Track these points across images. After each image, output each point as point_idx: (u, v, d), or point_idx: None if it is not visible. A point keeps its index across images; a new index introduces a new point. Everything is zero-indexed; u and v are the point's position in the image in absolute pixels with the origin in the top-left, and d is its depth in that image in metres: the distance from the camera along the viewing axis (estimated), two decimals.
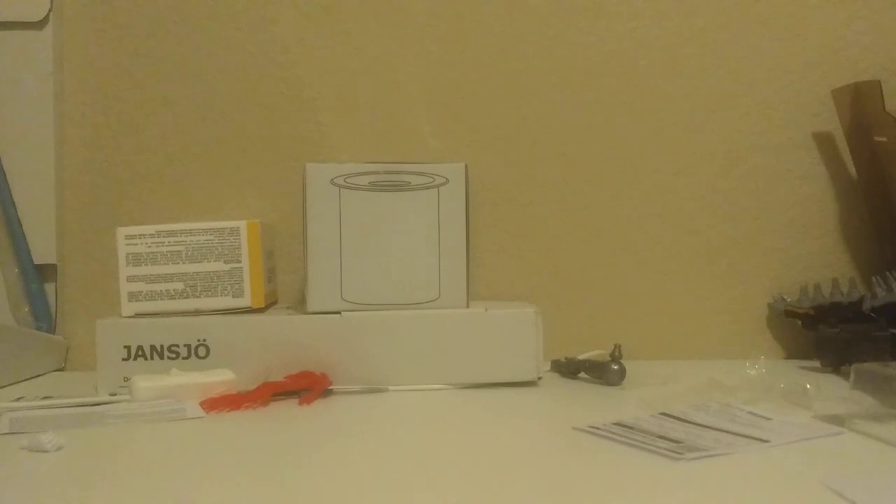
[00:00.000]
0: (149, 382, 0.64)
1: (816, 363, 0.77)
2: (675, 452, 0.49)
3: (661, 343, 0.87)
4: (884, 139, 0.79)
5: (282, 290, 0.86)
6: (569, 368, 0.76)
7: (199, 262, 0.71)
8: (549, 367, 0.77)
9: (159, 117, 0.87)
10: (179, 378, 0.65)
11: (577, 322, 0.87)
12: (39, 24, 0.85)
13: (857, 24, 0.88)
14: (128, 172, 0.87)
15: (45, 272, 0.86)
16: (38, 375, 0.80)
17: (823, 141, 0.88)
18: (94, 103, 0.87)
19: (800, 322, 0.83)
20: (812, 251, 0.88)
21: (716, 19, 0.88)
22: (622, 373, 0.71)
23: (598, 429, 0.55)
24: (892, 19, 0.88)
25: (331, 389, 0.69)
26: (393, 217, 0.71)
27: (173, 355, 0.69)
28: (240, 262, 0.72)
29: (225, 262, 0.72)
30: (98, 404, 0.64)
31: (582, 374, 0.75)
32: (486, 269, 0.87)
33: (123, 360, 0.69)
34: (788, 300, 0.85)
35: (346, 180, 0.71)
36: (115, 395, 0.68)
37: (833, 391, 0.63)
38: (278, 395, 0.66)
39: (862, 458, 0.49)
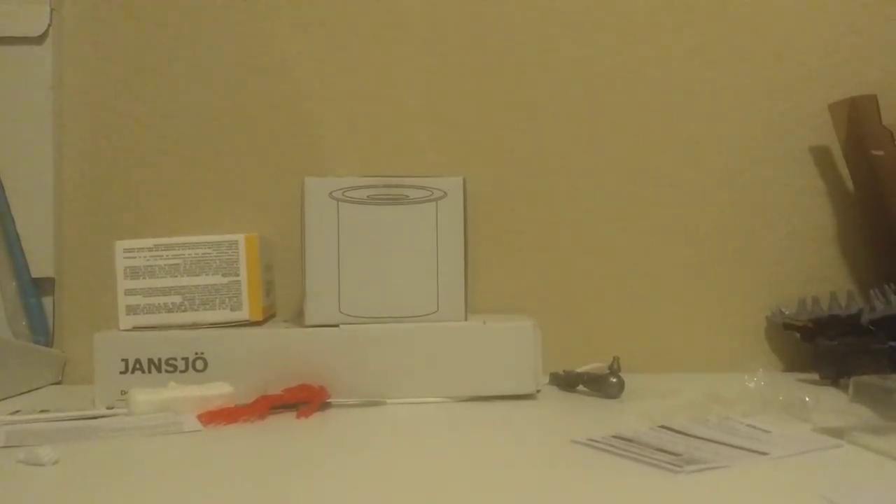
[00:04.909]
0: (146, 396, 0.64)
1: (815, 376, 0.77)
2: (675, 465, 0.49)
3: (659, 356, 0.87)
4: (880, 153, 0.80)
5: (280, 303, 0.86)
6: (567, 381, 0.76)
7: (197, 275, 0.71)
8: (547, 380, 0.77)
9: (158, 131, 0.88)
10: (177, 391, 0.65)
11: (575, 335, 0.87)
12: (39, 39, 0.85)
13: (853, 38, 0.88)
14: (126, 186, 0.88)
15: (43, 285, 0.86)
16: (36, 389, 0.80)
17: (821, 154, 0.89)
18: (92, 117, 0.88)
19: (798, 335, 0.82)
20: (810, 264, 0.88)
21: (713, 33, 0.88)
22: (621, 386, 0.71)
23: (597, 442, 0.55)
24: (889, 34, 0.88)
25: (329, 402, 0.69)
26: (391, 230, 0.71)
27: (171, 368, 0.69)
28: (238, 275, 0.72)
29: (223, 275, 0.72)
30: (95, 418, 0.64)
31: (580, 387, 0.75)
32: (485, 282, 0.87)
33: (121, 373, 0.69)
34: (787, 313, 0.85)
35: (345, 194, 0.71)
36: (112, 408, 0.67)
37: (832, 404, 0.63)
38: (276, 408, 0.66)
39: (861, 471, 0.49)
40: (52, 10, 0.85)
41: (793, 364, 0.87)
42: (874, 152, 0.80)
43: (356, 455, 0.53)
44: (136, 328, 0.71)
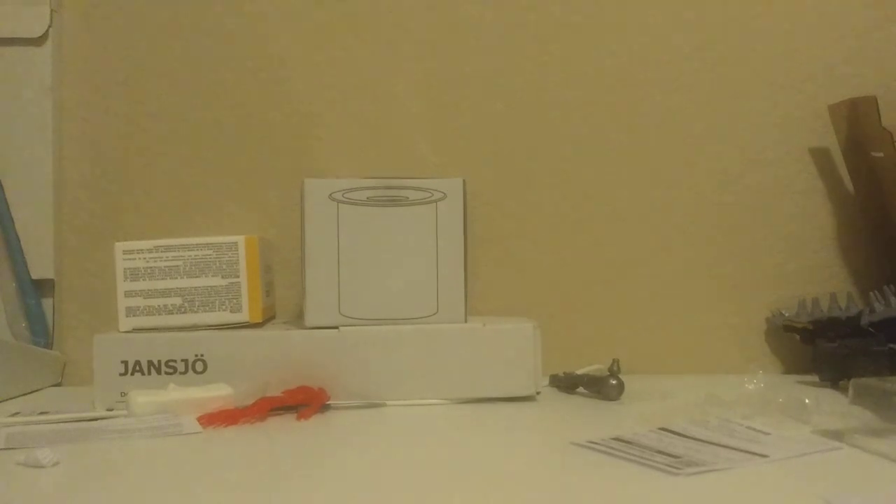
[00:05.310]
0: (146, 398, 0.64)
1: (815, 378, 0.77)
2: (674, 467, 0.49)
3: (659, 358, 0.87)
4: (880, 154, 0.80)
5: (280, 305, 0.86)
6: (567, 383, 0.76)
7: (196, 276, 0.71)
8: (547, 382, 0.77)
9: (157, 133, 0.88)
10: (177, 393, 0.65)
11: (575, 337, 0.87)
12: (39, 40, 0.85)
13: (853, 39, 0.88)
14: (126, 187, 0.88)
15: (42, 287, 0.86)
16: (35, 391, 0.80)
17: (821, 156, 0.89)
18: (92, 119, 0.88)
19: (798, 337, 0.83)
20: (810, 266, 0.88)
21: (713, 35, 0.88)
22: (620, 388, 0.71)
23: (596, 444, 0.55)
24: (888, 35, 0.88)
25: (329, 404, 0.69)
26: (391, 232, 0.71)
27: (171, 370, 0.69)
28: (238, 276, 0.72)
29: (223, 276, 0.72)
30: (95, 419, 0.64)
31: (580, 389, 0.75)
32: (485, 283, 0.87)
33: (121, 375, 0.69)
34: (787, 315, 0.85)
35: (345, 195, 0.71)
36: (112, 410, 0.67)
37: (832, 406, 0.63)
38: (276, 410, 0.66)
39: (861, 474, 0.49)
40: (52, 11, 0.85)
41: (792, 366, 0.87)
42: (874, 154, 0.80)
43: (356, 457, 0.53)
44: (135, 330, 0.71)
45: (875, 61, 0.88)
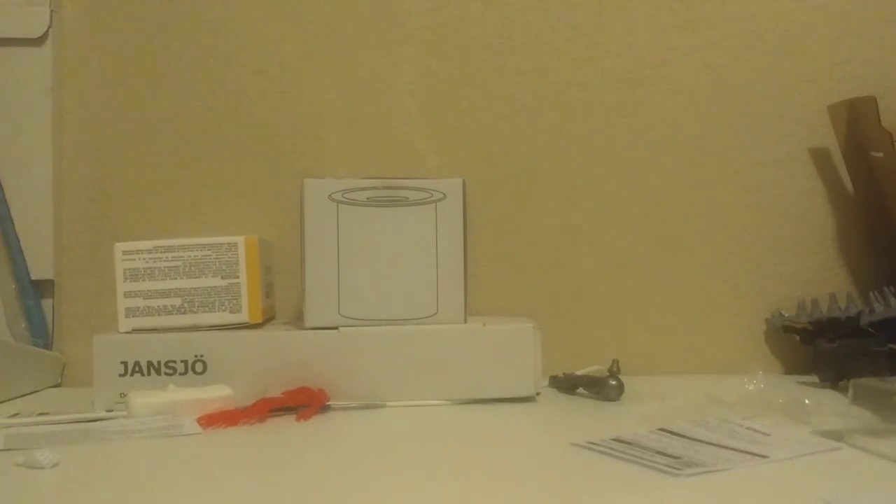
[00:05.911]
0: (146, 398, 0.64)
1: (815, 378, 0.77)
2: (674, 468, 0.49)
3: (659, 359, 0.87)
4: (880, 155, 0.80)
5: (279, 305, 0.86)
6: (567, 384, 0.76)
7: (196, 277, 0.71)
8: (547, 383, 0.77)
9: (157, 133, 0.88)
10: (176, 394, 0.65)
11: (575, 337, 0.87)
12: (39, 41, 0.85)
13: (852, 39, 0.88)
14: (126, 188, 0.87)
15: (42, 288, 0.86)
16: (35, 391, 0.80)
17: (821, 156, 0.89)
18: (92, 119, 0.88)
19: (798, 337, 0.83)
20: (810, 266, 0.88)
21: (713, 36, 0.88)
22: (620, 388, 0.71)
23: (596, 444, 0.55)
24: (888, 35, 0.88)
25: (328, 405, 0.69)
26: (391, 232, 0.71)
27: (170, 371, 0.69)
28: (237, 277, 0.72)
29: (222, 277, 0.72)
30: (95, 420, 0.64)
31: (580, 390, 0.75)
32: (484, 284, 0.87)
33: (120, 375, 0.69)
34: (786, 315, 0.85)
35: (344, 196, 0.71)
36: (111, 411, 0.67)
37: (831, 406, 0.63)
38: (276, 410, 0.66)
39: (860, 474, 0.49)
40: (52, 11, 0.85)
41: (792, 366, 0.87)
42: (873, 154, 0.80)
43: (356, 458, 0.53)
44: (135, 330, 0.71)
45: (875, 61, 0.88)
